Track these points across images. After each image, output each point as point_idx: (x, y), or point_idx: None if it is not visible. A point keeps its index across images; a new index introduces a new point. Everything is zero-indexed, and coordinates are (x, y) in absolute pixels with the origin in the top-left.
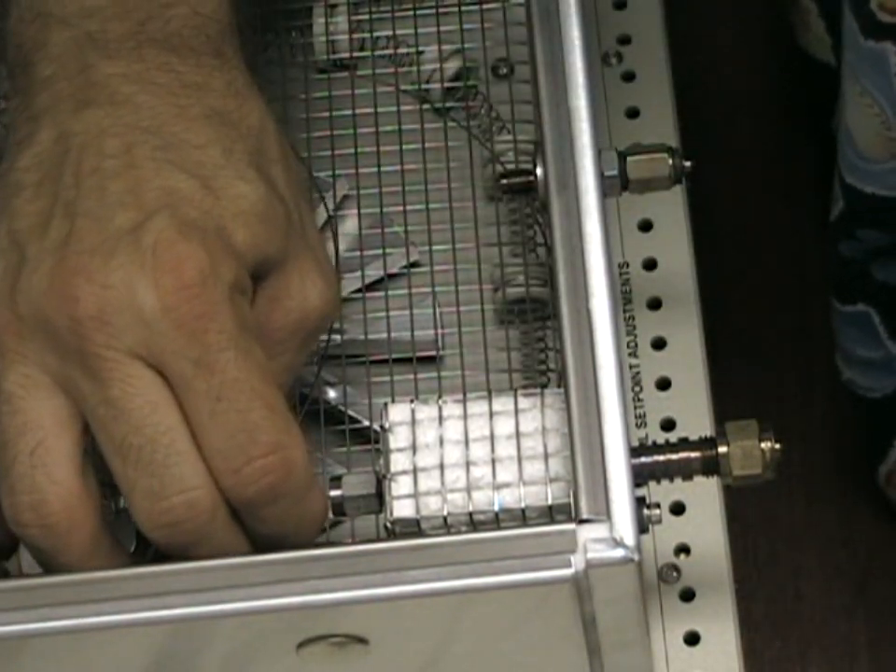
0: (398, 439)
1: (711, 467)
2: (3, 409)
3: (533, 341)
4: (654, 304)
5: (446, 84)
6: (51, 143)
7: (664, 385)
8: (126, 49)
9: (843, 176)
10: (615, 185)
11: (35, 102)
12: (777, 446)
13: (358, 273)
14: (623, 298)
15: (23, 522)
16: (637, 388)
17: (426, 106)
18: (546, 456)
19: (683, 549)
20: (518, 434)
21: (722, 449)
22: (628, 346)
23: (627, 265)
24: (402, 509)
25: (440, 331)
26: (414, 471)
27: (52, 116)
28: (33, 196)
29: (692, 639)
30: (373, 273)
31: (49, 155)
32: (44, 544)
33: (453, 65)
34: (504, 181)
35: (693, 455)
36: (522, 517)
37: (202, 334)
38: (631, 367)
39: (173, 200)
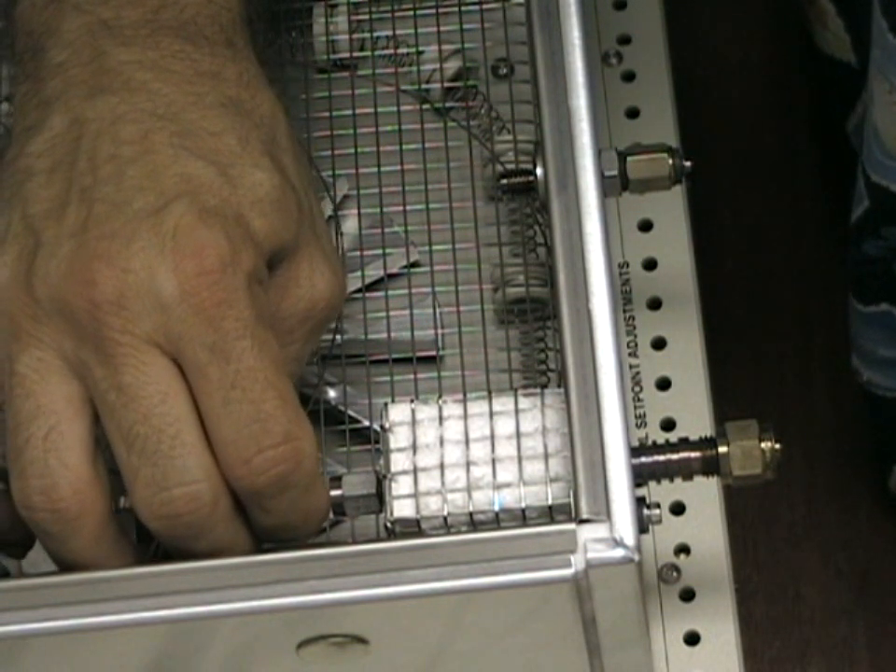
0: (398, 439)
1: (711, 467)
2: (16, 392)
3: (533, 341)
4: (654, 304)
5: (446, 84)
6: (64, 129)
7: (664, 384)
8: (140, 36)
9: (868, 175)
10: (615, 185)
11: (46, 87)
12: (777, 446)
13: (358, 273)
14: (623, 298)
15: (33, 506)
16: (637, 388)
17: (426, 106)
18: (546, 456)
19: (683, 549)
20: (518, 434)
21: (722, 449)
22: (628, 346)
23: (627, 265)
24: (402, 509)
25: (440, 331)
26: (414, 471)
27: (65, 102)
28: (46, 182)
29: (692, 639)
30: (373, 272)
31: (62, 141)
32: (53, 529)
33: (453, 65)
34: (504, 181)
35: (693, 454)
36: (522, 517)
37: (219, 321)
38: (631, 367)
39: (191, 186)
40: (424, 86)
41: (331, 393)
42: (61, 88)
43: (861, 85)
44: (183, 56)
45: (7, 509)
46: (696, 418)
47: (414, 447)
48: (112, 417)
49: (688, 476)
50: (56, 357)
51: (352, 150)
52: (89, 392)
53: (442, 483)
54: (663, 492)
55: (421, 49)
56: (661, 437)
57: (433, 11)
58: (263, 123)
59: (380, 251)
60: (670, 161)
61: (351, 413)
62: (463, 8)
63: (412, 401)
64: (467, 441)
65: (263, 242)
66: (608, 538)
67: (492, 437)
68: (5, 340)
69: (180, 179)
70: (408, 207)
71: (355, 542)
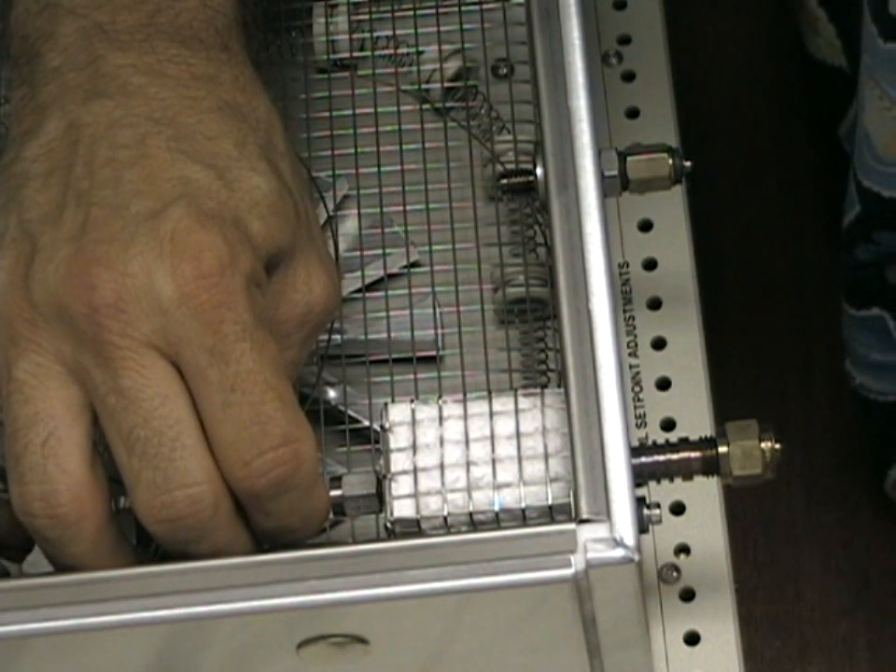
0: (398, 439)
1: (711, 467)
2: (14, 398)
3: (533, 341)
4: (654, 304)
5: (446, 84)
6: (60, 133)
7: (664, 384)
8: (136, 40)
9: (859, 180)
10: (615, 185)
11: (41, 92)
12: (777, 446)
13: (358, 273)
14: (623, 298)
15: (33, 512)
16: (637, 388)
17: (426, 106)
18: (546, 456)
19: (683, 549)
20: (518, 434)
21: (722, 449)
22: (628, 346)
23: (627, 265)
24: (402, 509)
25: (440, 331)
26: (414, 471)
27: (61, 106)
28: (42, 186)
29: (692, 639)
30: (373, 272)
31: (58, 145)
32: (52, 534)
33: (453, 65)
34: (504, 181)
35: (693, 454)
36: (522, 517)
37: (218, 324)
38: (631, 367)
39: (189, 190)
40: (424, 86)
41: (331, 393)
42: (56, 92)
43: (853, 90)
44: (179, 60)
45: (6, 514)
46: (696, 418)
47: (414, 447)
48: (112, 421)
49: (688, 476)
50: (54, 362)
51: (352, 150)
52: (87, 397)
53: (442, 483)
54: (663, 492)
55: (421, 49)
56: (661, 437)
57: (433, 11)
58: (260, 127)
59: (380, 251)
60: (670, 161)
61: (351, 413)
62: (463, 8)
63: (412, 401)
64: (467, 441)
65: (261, 245)
66: (608, 538)
67: (492, 437)
68: (3, 345)
69: (178, 183)
70: (408, 207)
71: (355, 542)
